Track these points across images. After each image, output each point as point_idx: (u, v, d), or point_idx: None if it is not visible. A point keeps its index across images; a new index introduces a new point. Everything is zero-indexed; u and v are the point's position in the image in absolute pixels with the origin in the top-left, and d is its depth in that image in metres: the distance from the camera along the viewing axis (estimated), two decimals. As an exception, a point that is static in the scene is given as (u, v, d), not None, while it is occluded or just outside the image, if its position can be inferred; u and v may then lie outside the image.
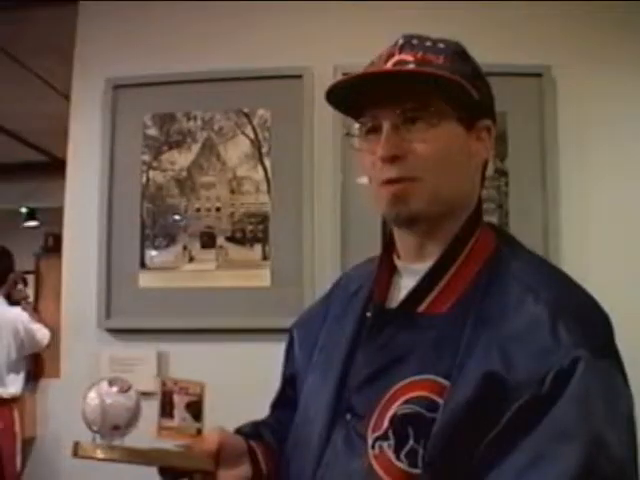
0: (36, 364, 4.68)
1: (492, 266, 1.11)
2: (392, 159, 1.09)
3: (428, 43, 1.14)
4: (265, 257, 2.71)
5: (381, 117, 1.11)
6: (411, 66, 1.10)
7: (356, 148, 1.18)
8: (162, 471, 1.19)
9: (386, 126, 1.10)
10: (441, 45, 1.14)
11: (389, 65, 1.12)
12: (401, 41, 1.14)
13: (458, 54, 1.15)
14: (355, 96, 1.14)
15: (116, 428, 1.14)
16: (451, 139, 1.11)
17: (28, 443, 4.70)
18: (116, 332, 2.76)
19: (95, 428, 1.14)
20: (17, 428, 4.36)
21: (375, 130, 1.13)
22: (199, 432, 1.25)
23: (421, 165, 1.09)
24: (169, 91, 2.82)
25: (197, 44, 2.84)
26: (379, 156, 1.10)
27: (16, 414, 4.37)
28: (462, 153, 1.13)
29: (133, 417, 1.16)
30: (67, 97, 3.02)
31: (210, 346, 2.69)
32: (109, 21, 2.92)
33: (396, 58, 1.12)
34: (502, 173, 2.64)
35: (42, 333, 4.49)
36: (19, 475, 4.35)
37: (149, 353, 2.71)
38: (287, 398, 1.41)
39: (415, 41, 1.14)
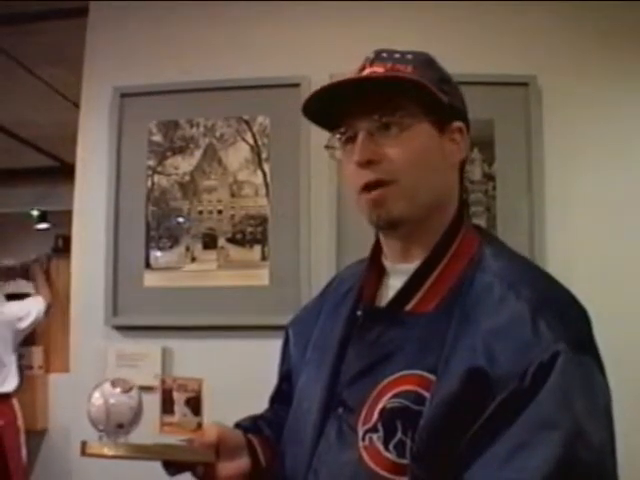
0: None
1: (476, 266, 1.11)
2: (367, 163, 1.09)
3: (397, 55, 1.14)
4: (264, 257, 2.70)
5: (356, 125, 1.12)
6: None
7: (337, 159, 1.19)
8: (166, 465, 1.20)
9: (361, 133, 1.10)
10: (409, 56, 1.14)
11: (365, 72, 1.13)
12: (372, 55, 1.15)
13: (426, 63, 1.15)
14: (330, 109, 1.14)
15: (120, 426, 1.15)
16: (424, 141, 1.11)
17: (40, 435, 4.69)
18: (122, 329, 2.75)
19: (101, 427, 1.15)
20: (20, 422, 4.28)
21: (352, 140, 1.13)
22: (199, 426, 1.25)
23: (396, 168, 1.09)
24: (173, 99, 2.81)
25: (200, 55, 2.84)
26: (355, 161, 1.11)
27: (17, 408, 4.30)
28: (436, 154, 1.13)
29: (136, 415, 1.17)
30: (76, 105, 3.01)
31: (212, 342, 2.68)
32: (116, 33, 2.91)
33: (367, 71, 1.12)
34: (490, 178, 2.63)
35: (32, 310, 4.35)
36: (26, 467, 4.30)
37: (154, 349, 2.70)
38: (284, 393, 1.41)
39: (385, 54, 1.14)
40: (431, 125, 1.11)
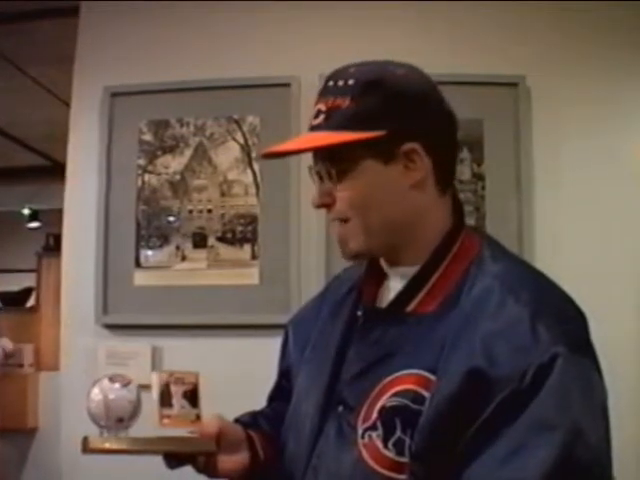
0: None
1: (476, 268, 1.12)
2: (322, 207, 1.16)
3: (340, 83, 1.12)
4: (254, 256, 2.69)
5: (315, 168, 1.18)
6: (322, 117, 1.12)
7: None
8: (167, 457, 1.20)
9: (316, 179, 1.17)
10: (351, 81, 1.11)
11: (314, 112, 1.14)
12: (324, 83, 1.15)
13: (367, 87, 1.10)
14: None
15: (120, 421, 1.17)
16: (369, 179, 1.11)
17: (30, 434, 4.68)
18: (113, 327, 2.74)
19: (101, 423, 1.16)
20: None
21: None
22: (198, 417, 1.27)
23: (346, 209, 1.13)
24: (163, 99, 2.80)
25: (190, 55, 2.83)
26: (313, 205, 1.18)
27: None
28: (384, 186, 1.12)
29: (135, 409, 1.20)
30: (67, 104, 3.00)
31: (202, 341, 2.67)
32: (107, 33, 2.90)
33: (317, 107, 1.14)
34: (479, 177, 2.64)
35: None
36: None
37: (144, 348, 2.69)
38: (283, 390, 1.42)
39: (331, 82, 1.14)
40: (373, 159, 1.11)
